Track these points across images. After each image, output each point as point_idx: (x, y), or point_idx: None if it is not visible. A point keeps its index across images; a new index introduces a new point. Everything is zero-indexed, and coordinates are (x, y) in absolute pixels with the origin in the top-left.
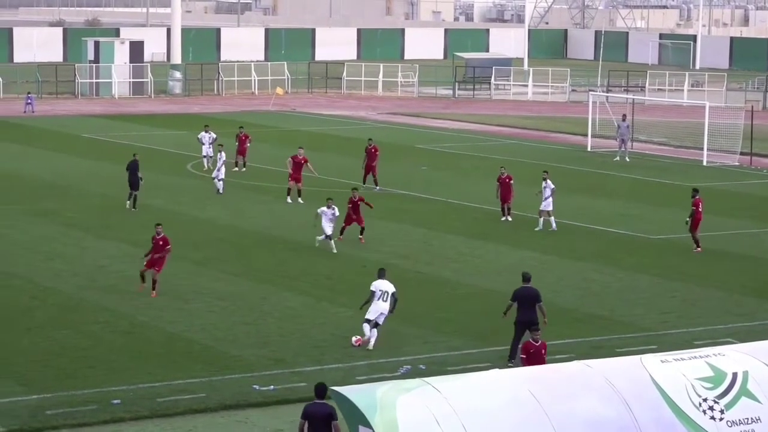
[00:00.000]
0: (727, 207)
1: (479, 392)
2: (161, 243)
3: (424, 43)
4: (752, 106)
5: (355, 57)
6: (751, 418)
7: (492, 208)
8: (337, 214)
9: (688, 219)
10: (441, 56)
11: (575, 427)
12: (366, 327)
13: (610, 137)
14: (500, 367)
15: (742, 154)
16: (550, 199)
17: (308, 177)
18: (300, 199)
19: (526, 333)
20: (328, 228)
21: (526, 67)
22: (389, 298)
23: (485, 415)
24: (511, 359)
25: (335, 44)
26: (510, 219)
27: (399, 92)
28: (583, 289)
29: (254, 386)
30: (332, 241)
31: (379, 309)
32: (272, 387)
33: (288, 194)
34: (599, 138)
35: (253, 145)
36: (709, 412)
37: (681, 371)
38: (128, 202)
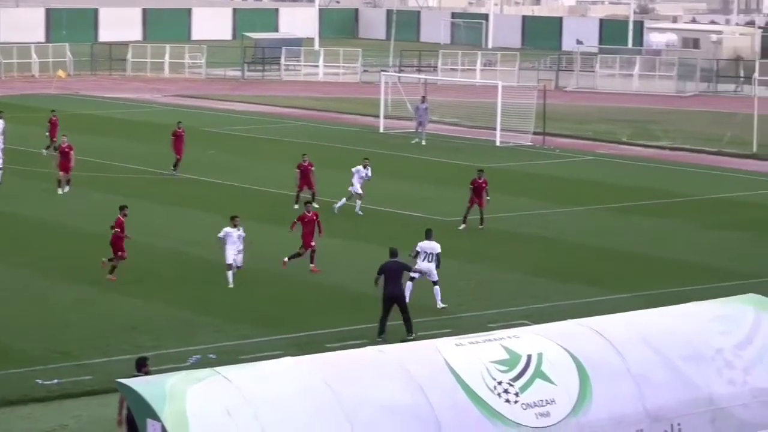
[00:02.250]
0: (519, 187)
1: (271, 381)
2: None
3: (212, 23)
4: (545, 86)
5: (140, 38)
6: (546, 400)
7: (287, 192)
8: (243, 235)
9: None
10: (230, 37)
11: (369, 413)
12: (409, 284)
13: (403, 118)
14: (292, 355)
15: (535, 133)
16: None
17: (94, 164)
18: (61, 189)
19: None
20: (230, 255)
21: (317, 47)
22: (434, 258)
23: (277, 404)
24: (380, 335)
25: (119, 25)
26: (316, 206)
27: (186, 74)
28: None
29: (37, 380)
30: (231, 273)
31: (424, 269)
32: (56, 381)
33: (67, 185)
34: (392, 119)
35: (32, 130)
36: (504, 395)
37: (476, 354)
38: None
